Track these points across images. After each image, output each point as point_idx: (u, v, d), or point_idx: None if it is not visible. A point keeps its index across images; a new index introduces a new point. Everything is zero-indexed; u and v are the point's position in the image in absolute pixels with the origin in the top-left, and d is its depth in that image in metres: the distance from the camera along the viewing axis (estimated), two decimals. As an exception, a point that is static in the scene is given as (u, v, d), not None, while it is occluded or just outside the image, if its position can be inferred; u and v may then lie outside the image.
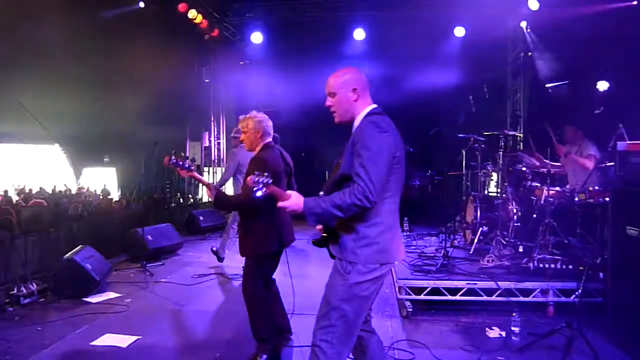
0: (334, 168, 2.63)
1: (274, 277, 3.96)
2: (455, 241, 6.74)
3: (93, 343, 4.11)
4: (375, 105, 2.62)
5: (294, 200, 2.44)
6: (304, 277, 5.97)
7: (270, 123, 3.83)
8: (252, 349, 3.74)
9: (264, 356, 3.65)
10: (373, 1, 11.55)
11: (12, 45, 11.64)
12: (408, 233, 7.90)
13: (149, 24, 11.39)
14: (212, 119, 13.26)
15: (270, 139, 3.80)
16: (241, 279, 6.02)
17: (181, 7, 10.89)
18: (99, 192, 15.37)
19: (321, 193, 2.55)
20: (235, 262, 7.05)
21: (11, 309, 5.01)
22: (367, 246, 2.46)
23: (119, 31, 11.57)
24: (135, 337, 4.20)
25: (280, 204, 2.45)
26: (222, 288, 5.89)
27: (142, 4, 11.00)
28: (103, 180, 18.11)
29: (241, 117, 3.85)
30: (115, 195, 16.17)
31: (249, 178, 2.40)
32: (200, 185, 13.69)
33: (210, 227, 9.93)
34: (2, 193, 13.29)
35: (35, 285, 5.39)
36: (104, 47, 12.30)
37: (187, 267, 6.95)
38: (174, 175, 16.57)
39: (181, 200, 14.64)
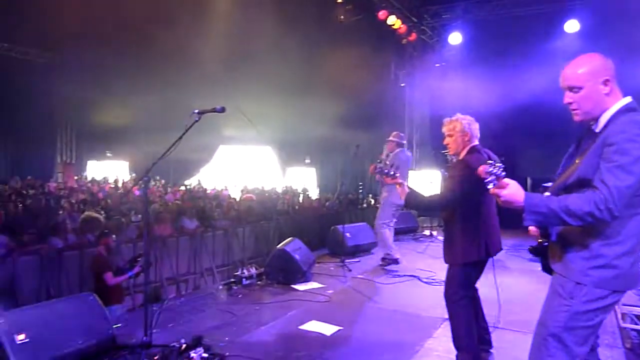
0: (568, 168, 2.27)
1: (476, 286, 3.82)
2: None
3: (301, 327, 4.52)
4: (629, 99, 2.16)
5: (512, 189, 2.06)
6: (502, 288, 5.61)
7: (477, 125, 3.70)
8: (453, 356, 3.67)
9: (464, 366, 3.55)
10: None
11: (236, 55, 13.47)
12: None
13: (350, 32, 12.07)
14: (406, 122, 13.40)
15: (477, 142, 3.68)
16: (435, 284, 6.04)
17: (381, 14, 11.27)
18: (300, 191, 16.84)
19: (547, 194, 2.24)
20: (430, 267, 7.01)
21: (235, 287, 5.83)
22: (601, 268, 2.09)
23: (320, 40, 12.52)
24: (337, 327, 4.49)
25: (493, 190, 2.09)
26: (417, 291, 5.90)
27: (342, 17, 11.68)
28: (304, 179, 19.81)
29: (446, 119, 3.79)
30: (314, 194, 17.53)
31: (480, 168, 2.09)
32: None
33: (402, 230, 10.03)
34: (224, 187, 15.59)
35: (254, 270, 6.15)
36: (307, 56, 13.42)
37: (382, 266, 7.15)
38: (367, 177, 17.25)
39: (372, 202, 15.19)
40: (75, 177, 17.02)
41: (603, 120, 2.16)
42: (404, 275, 6.51)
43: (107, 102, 16.29)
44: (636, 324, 4.25)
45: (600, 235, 2.09)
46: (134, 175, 19.03)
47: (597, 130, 2.18)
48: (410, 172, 13.55)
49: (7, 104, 14.45)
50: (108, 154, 20.14)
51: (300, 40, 12.43)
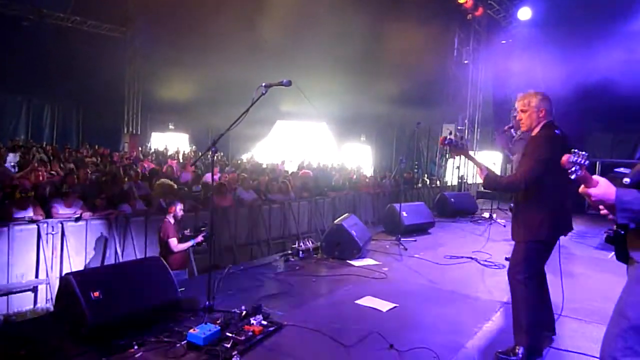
0: None
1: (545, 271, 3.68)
2: None
3: (357, 302, 4.55)
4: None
5: (602, 188, 2.02)
6: (568, 276, 5.41)
7: (551, 103, 3.52)
8: (511, 340, 3.59)
9: (521, 348, 3.44)
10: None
11: (295, 31, 13.45)
12: None
13: (413, 6, 11.73)
14: (469, 101, 12.98)
15: (552, 119, 3.51)
16: (494, 267, 5.90)
17: (449, -12, 10.86)
18: (354, 168, 16.82)
19: (626, 180, 2.12)
20: (488, 249, 6.86)
21: (293, 259, 5.94)
22: None
23: (382, 15, 12.25)
24: (393, 305, 4.48)
25: (583, 189, 2.07)
26: (476, 273, 5.78)
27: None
28: (359, 156, 19.74)
29: (519, 94, 3.63)
30: (369, 171, 17.47)
31: (564, 157, 2.02)
32: (449, 168, 13.72)
33: (461, 211, 9.83)
34: (280, 162, 15.80)
35: (310, 243, 6.24)
36: (368, 31, 13.18)
37: (439, 247, 7.05)
38: (423, 157, 16.94)
39: (428, 182, 14.95)
40: (140, 148, 17.78)
41: None
42: (462, 257, 6.39)
43: (171, 76, 16.82)
44: None
45: None
46: (193, 147, 19.66)
47: None
48: (471, 153, 13.25)
49: (80, 75, 15.24)
50: (170, 127, 20.89)
51: (361, 15, 12.23)
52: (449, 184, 14.20)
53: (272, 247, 8.78)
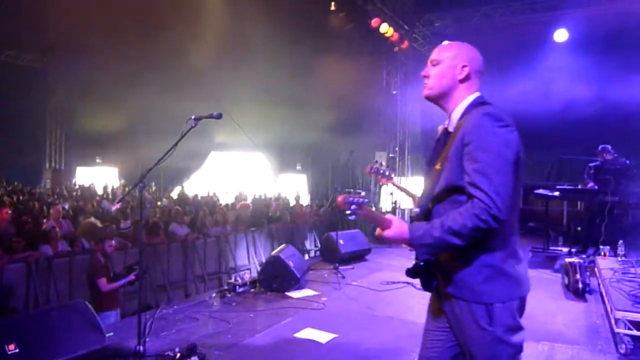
0: (430, 176, 2.07)
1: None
2: (690, 273, 5.62)
3: (296, 335, 4.48)
4: (478, 93, 2.05)
5: (395, 228, 1.92)
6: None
7: None
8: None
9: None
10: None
11: (227, 61, 13.45)
12: (624, 258, 6.87)
13: (343, 39, 12.13)
14: (398, 129, 13.47)
15: None
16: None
17: (374, 22, 11.34)
18: (291, 197, 16.80)
19: (416, 210, 2.09)
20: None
21: (229, 295, 5.77)
22: (495, 278, 1.88)
23: (313, 48, 12.56)
24: (333, 335, 4.45)
25: (378, 232, 2.00)
26: (412, 298, 5.89)
27: (334, 22, 11.73)
28: (295, 186, 19.78)
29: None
30: (305, 200, 17.50)
31: (339, 198, 1.95)
32: (383, 194, 14.05)
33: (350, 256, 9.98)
34: (212, 194, 15.51)
35: (247, 277, 6.10)
36: (300, 63, 13.43)
37: (376, 273, 7.14)
38: (359, 184, 17.27)
39: (365, 208, 15.19)
40: (64, 184, 16.83)
41: (455, 116, 2.04)
42: (398, 282, 6.49)
43: (97, 107, 16.17)
44: (630, 329, 4.27)
45: (479, 242, 1.84)
46: (123, 181, 18.86)
47: (451, 130, 2.05)
48: (402, 179, 13.66)
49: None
50: (98, 160, 19.96)
51: (292, 48, 12.46)
52: (383, 209, 14.52)
53: (208, 282, 8.49)
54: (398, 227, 1.93)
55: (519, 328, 1.96)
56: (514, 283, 1.94)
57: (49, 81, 16.93)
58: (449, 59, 2.04)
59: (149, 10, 11.62)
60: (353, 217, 1.96)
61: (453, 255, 1.92)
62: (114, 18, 11.93)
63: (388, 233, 1.95)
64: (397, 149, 13.47)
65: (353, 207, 1.93)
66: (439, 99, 2.09)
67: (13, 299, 6.03)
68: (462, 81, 2.03)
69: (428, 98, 2.11)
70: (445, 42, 2.15)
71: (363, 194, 2.00)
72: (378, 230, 2.00)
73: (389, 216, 1.97)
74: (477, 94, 2.04)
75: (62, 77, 16.67)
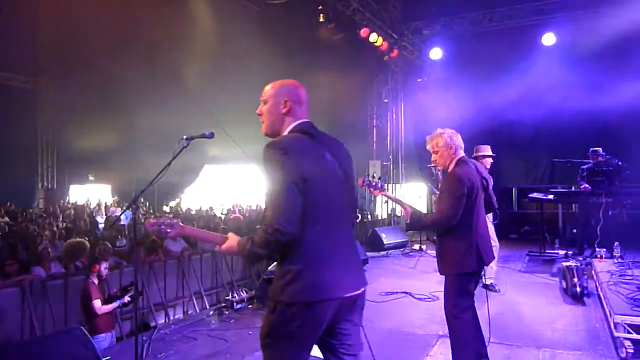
0: None
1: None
2: (687, 273, 5.63)
3: (296, 351, 4.43)
4: (299, 121, 2.34)
5: (228, 242, 2.26)
6: (494, 301, 5.63)
7: (459, 137, 3.72)
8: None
9: (462, 384, 3.49)
10: (565, 1, 10.60)
11: (218, 75, 13.48)
12: (620, 260, 6.88)
13: (333, 50, 12.18)
14: (391, 137, 13.50)
15: (463, 154, 3.70)
16: (428, 300, 6.01)
17: (363, 32, 11.42)
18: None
19: (258, 227, 2.32)
20: (422, 282, 7.00)
21: (227, 312, 5.72)
22: (290, 282, 2.12)
23: (304, 59, 12.61)
24: (332, 350, 4.40)
25: (217, 248, 2.30)
26: (411, 308, 5.86)
27: (324, 34, 11.80)
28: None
29: (428, 137, 3.81)
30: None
31: (148, 222, 2.30)
32: (379, 202, 14.05)
33: (393, 244, 10.03)
34: (209, 208, 15.44)
35: (244, 293, 6.05)
36: (291, 75, 13.44)
37: (374, 284, 7.08)
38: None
39: (359, 217, 15.20)
40: (57, 204, 16.70)
41: None
42: (397, 292, 6.46)
43: (89, 126, 16.12)
44: (629, 333, 4.26)
45: (283, 253, 2.14)
46: (116, 198, 18.76)
47: None
48: (397, 186, 13.68)
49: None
50: (90, 178, 19.86)
51: (283, 59, 12.50)
52: (379, 217, 14.51)
53: (205, 298, 8.42)
54: (230, 240, 2.26)
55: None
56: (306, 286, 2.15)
57: (40, 101, 16.88)
58: (272, 97, 2.37)
59: (140, 28, 11.65)
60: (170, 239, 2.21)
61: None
62: (105, 38, 11.95)
63: (221, 248, 2.28)
64: (390, 156, 13.50)
65: (164, 227, 2.26)
66: (274, 134, 2.38)
67: (8, 324, 5.94)
68: (286, 114, 2.34)
69: (266, 135, 2.40)
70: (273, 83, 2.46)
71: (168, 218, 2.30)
72: (217, 247, 2.31)
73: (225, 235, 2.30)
74: (296, 122, 2.33)
75: (52, 97, 16.63)
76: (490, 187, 3.90)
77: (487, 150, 6.30)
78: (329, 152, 2.32)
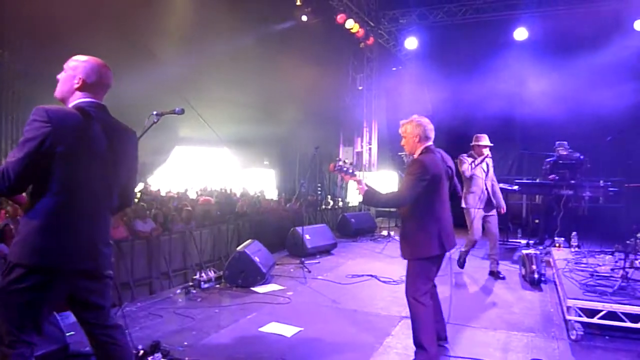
0: None
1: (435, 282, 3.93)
2: (637, 262, 5.93)
3: (261, 329, 4.51)
4: (87, 100, 2.54)
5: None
6: (456, 286, 5.83)
7: (431, 127, 3.81)
8: (411, 352, 3.77)
9: (421, 363, 3.62)
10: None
11: (192, 54, 13.26)
12: (577, 250, 7.19)
13: (309, 36, 12.15)
14: (365, 124, 13.60)
15: (430, 143, 3.79)
16: (393, 283, 6.16)
17: (340, 18, 11.41)
18: (258, 193, 16.74)
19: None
20: (387, 266, 7.16)
21: (194, 291, 5.73)
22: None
23: (280, 42, 12.54)
24: (298, 329, 4.50)
25: None
26: (376, 290, 6.00)
27: (304, 18, 11.74)
28: (262, 181, 19.68)
29: (401, 121, 3.91)
30: (273, 195, 17.46)
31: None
32: (350, 189, 14.18)
33: (362, 230, 10.19)
34: (182, 191, 15.28)
35: (212, 273, 6.07)
36: (266, 58, 13.37)
37: (341, 267, 7.23)
38: (326, 179, 17.35)
39: (331, 203, 15.31)
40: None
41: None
42: (363, 275, 6.60)
43: (56, 100, 15.60)
44: (580, 316, 4.48)
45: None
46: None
47: None
48: (369, 174, 13.82)
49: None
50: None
51: (259, 42, 12.40)
52: (350, 204, 14.66)
53: (173, 279, 8.39)
54: None
55: None
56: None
57: (5, 73, 16.25)
58: (67, 70, 2.56)
59: (111, 3, 11.32)
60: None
61: None
62: (74, 10, 11.57)
63: None
64: (363, 143, 13.61)
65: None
66: (61, 102, 2.57)
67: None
68: (77, 89, 2.53)
69: (55, 97, 2.60)
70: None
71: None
72: None
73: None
74: (83, 100, 2.52)
75: (19, 69, 16.02)
76: (455, 175, 4.03)
77: (485, 139, 6.56)
78: (105, 134, 2.51)
